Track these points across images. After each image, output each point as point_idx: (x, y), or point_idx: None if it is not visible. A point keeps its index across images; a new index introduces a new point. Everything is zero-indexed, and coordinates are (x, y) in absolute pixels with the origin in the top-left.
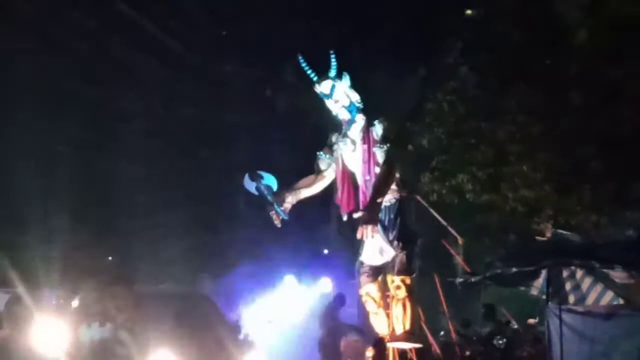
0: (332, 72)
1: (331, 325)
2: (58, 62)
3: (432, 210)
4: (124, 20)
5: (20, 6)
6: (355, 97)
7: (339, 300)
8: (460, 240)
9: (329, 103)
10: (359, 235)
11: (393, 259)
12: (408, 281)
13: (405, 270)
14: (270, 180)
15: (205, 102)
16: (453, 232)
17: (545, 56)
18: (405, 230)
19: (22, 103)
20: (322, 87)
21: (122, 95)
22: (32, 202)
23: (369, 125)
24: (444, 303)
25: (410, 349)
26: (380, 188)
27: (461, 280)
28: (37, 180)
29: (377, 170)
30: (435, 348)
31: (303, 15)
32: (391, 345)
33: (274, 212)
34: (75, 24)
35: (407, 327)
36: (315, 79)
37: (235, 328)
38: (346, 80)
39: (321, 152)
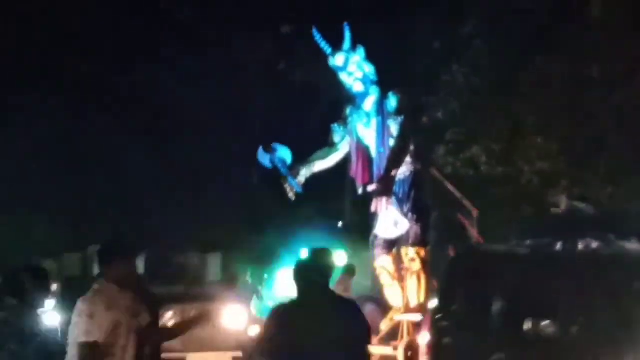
0: (346, 45)
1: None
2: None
3: (446, 183)
4: None
5: None
6: (370, 70)
7: (349, 271)
8: (474, 213)
9: (343, 76)
10: (373, 208)
11: (407, 232)
12: (422, 253)
13: (419, 242)
14: (284, 153)
15: (221, 76)
16: (467, 204)
17: (564, 27)
18: (419, 202)
19: None
20: (336, 60)
21: (131, 70)
22: None
23: (383, 97)
24: None
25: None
26: (394, 161)
27: None
28: None
29: (391, 142)
30: None
31: None
32: (405, 318)
33: (288, 185)
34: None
35: (422, 299)
36: (329, 51)
37: None
38: (360, 53)
39: (335, 125)
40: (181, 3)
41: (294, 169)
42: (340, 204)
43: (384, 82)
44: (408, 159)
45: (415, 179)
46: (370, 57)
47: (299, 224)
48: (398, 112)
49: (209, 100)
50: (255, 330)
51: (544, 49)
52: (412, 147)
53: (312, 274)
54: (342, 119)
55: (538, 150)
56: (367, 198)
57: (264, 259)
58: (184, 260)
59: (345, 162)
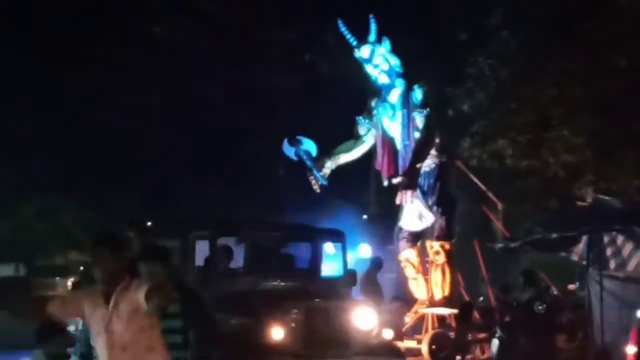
0: (372, 37)
1: (370, 289)
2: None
3: (472, 176)
4: None
5: None
6: (395, 62)
7: (376, 264)
8: (500, 206)
9: (368, 68)
10: (398, 201)
11: (432, 225)
12: (447, 246)
13: (444, 235)
14: (309, 146)
15: (247, 67)
16: (493, 197)
17: (591, 17)
18: (444, 195)
19: None
20: (362, 52)
21: (159, 58)
22: None
23: (408, 89)
24: (483, 269)
25: (449, 315)
26: (419, 153)
27: (501, 245)
28: None
29: (417, 135)
30: (475, 311)
31: None
32: (429, 311)
33: (313, 177)
34: None
35: (446, 292)
36: (354, 43)
37: None
38: (386, 45)
39: (360, 117)
40: None
41: (318, 161)
42: (365, 197)
43: (410, 75)
44: (433, 151)
45: (441, 172)
46: (395, 50)
47: (324, 216)
48: (423, 104)
49: (235, 90)
50: (387, 334)
51: (571, 40)
52: (437, 140)
53: None
54: (367, 111)
55: (564, 143)
56: (392, 190)
57: None
58: (293, 251)
59: (370, 154)
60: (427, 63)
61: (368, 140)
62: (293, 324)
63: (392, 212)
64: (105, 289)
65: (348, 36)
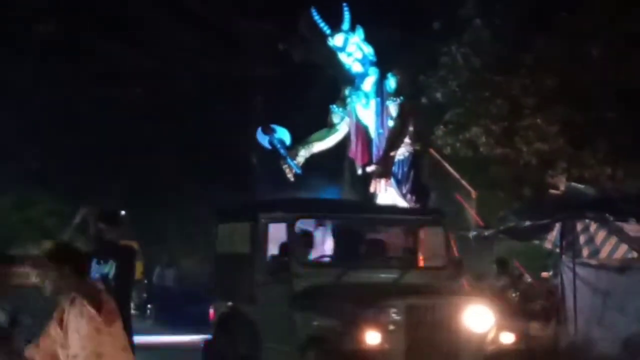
0: (346, 25)
1: None
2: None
3: (445, 164)
4: None
5: None
6: (369, 50)
7: None
8: (473, 194)
9: (342, 56)
10: (372, 189)
11: None
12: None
13: None
14: (283, 134)
15: (221, 57)
16: (466, 185)
17: (563, 7)
18: (418, 184)
19: None
20: (335, 40)
21: (137, 51)
22: None
23: (382, 78)
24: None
25: None
26: (393, 142)
27: (474, 233)
28: None
29: (391, 123)
30: None
31: None
32: None
33: (287, 165)
34: None
35: None
36: (328, 32)
37: None
38: (359, 34)
39: (334, 106)
40: None
41: (292, 150)
42: (339, 185)
43: (384, 63)
44: (407, 139)
45: (414, 160)
46: (369, 38)
47: None
48: (397, 92)
49: (209, 80)
50: (506, 338)
51: (544, 29)
52: (411, 128)
53: None
54: (341, 100)
55: (537, 131)
56: (366, 179)
57: None
58: (385, 237)
59: (344, 143)
60: (401, 51)
61: (342, 128)
62: (391, 327)
63: (367, 201)
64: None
65: (321, 24)
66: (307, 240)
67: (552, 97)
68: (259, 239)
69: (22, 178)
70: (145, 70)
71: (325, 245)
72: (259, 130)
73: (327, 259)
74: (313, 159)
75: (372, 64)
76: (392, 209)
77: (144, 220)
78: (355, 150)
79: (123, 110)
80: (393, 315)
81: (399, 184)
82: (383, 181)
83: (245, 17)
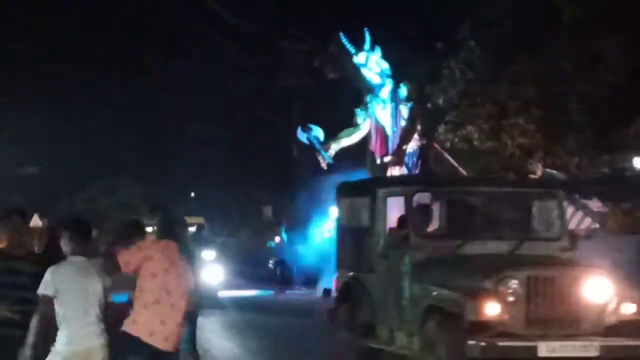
0: (367, 46)
1: None
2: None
3: (446, 155)
4: None
5: None
6: (385, 66)
7: None
8: None
9: (364, 70)
10: (388, 175)
11: None
12: None
13: None
14: (318, 132)
15: (267, 71)
16: (462, 171)
17: (540, 31)
18: (424, 170)
19: None
20: (359, 58)
21: (189, 65)
22: None
23: (396, 87)
24: None
25: None
26: (405, 138)
27: None
28: None
29: (403, 123)
30: None
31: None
32: None
33: (321, 157)
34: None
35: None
36: (353, 51)
37: None
38: (377, 52)
39: (358, 109)
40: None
41: (325, 144)
42: (362, 172)
43: (397, 76)
44: (416, 136)
45: (422, 152)
46: (385, 56)
47: (329, 189)
48: (408, 99)
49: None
50: (628, 308)
51: (524, 48)
52: (419, 127)
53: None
54: (364, 105)
55: (519, 129)
56: (384, 167)
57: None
58: (502, 209)
59: (366, 139)
60: (411, 67)
61: (364, 127)
62: (511, 298)
63: None
64: None
65: (348, 45)
66: (425, 213)
67: (531, 102)
68: (379, 212)
69: (110, 166)
70: (204, 80)
71: (441, 218)
72: (299, 129)
73: (444, 232)
74: (342, 151)
75: (388, 76)
76: (509, 182)
77: (211, 201)
78: (375, 144)
79: (192, 114)
80: (513, 286)
81: (410, 171)
82: (397, 168)
83: (287, 39)
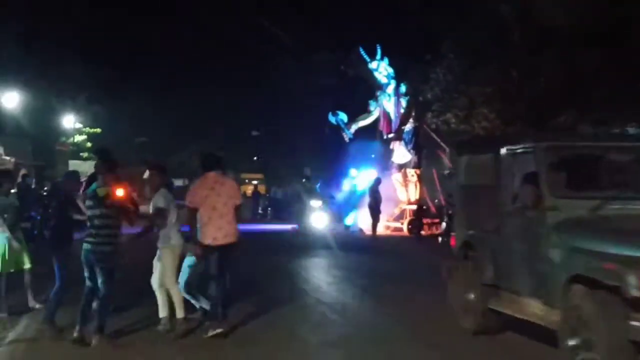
0: (378, 56)
1: (373, 196)
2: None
3: (432, 134)
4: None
5: None
6: (391, 70)
7: (378, 181)
8: (447, 151)
9: (376, 74)
10: (391, 147)
11: (410, 160)
12: (418, 172)
13: (416, 166)
14: (343, 116)
15: (301, 75)
16: (444, 146)
17: (497, 47)
18: (417, 144)
19: None
20: (372, 65)
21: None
22: None
23: (398, 85)
24: (437, 184)
25: (418, 208)
26: (403, 121)
27: (447, 171)
28: None
29: (402, 111)
30: (432, 208)
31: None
32: (407, 207)
33: (344, 133)
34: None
35: (417, 196)
36: (368, 60)
37: None
38: (385, 61)
39: (371, 101)
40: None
41: (348, 124)
42: (373, 144)
43: (398, 77)
44: (411, 120)
45: (415, 131)
46: (391, 63)
47: (350, 156)
48: (406, 94)
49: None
50: None
51: (487, 60)
52: (413, 114)
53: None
54: (375, 98)
55: (483, 116)
56: (388, 141)
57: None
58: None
59: (377, 121)
60: (408, 71)
61: (375, 113)
62: None
63: (388, 153)
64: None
65: (365, 56)
66: (559, 170)
67: (492, 97)
68: (505, 170)
69: (173, 126)
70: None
71: (575, 176)
72: (330, 113)
73: (581, 190)
74: (359, 130)
75: (392, 78)
76: None
77: (268, 163)
78: (382, 125)
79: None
80: None
81: (407, 144)
82: (397, 142)
83: (318, 52)
